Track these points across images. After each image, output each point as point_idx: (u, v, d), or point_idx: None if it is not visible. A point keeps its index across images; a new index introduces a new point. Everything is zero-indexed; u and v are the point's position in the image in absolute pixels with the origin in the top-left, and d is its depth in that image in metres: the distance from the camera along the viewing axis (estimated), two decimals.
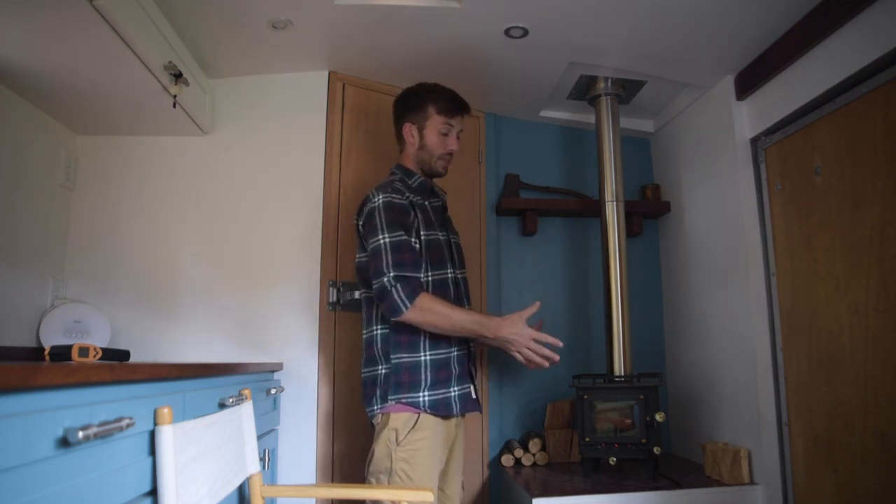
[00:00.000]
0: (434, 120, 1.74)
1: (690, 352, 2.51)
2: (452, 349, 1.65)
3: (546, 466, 2.33)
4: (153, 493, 0.96)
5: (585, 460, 2.12)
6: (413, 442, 1.54)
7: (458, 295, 1.72)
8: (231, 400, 1.35)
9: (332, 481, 2.05)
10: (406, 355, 1.61)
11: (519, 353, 1.57)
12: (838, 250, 1.80)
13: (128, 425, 0.85)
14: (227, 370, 1.49)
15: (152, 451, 0.97)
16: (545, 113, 2.70)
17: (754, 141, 2.19)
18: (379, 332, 1.65)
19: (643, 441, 2.05)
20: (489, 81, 2.38)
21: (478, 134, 2.60)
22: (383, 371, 1.62)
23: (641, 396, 2.08)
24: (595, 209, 2.50)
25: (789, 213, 2.03)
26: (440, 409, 1.59)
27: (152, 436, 0.97)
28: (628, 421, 2.09)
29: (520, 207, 2.59)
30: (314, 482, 2.04)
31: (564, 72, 2.30)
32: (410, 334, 1.61)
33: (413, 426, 1.55)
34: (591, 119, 2.52)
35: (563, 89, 2.50)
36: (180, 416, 1.08)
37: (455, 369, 1.65)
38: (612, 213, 2.36)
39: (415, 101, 1.77)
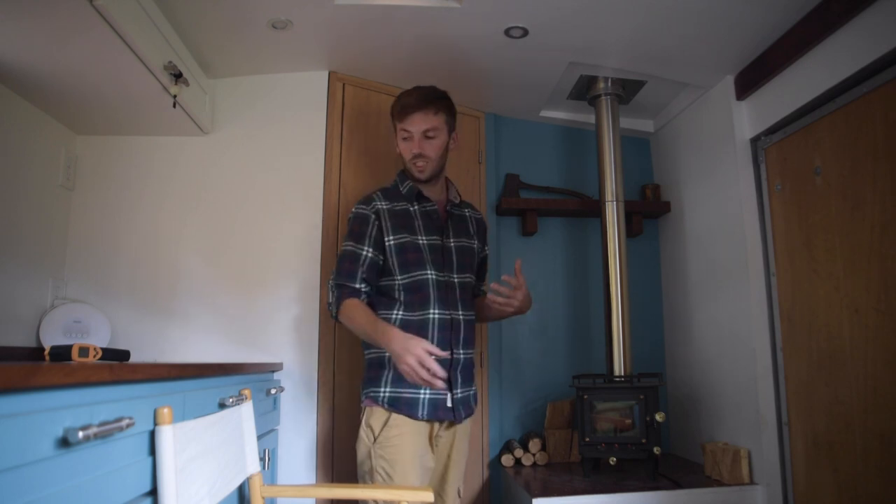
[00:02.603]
0: (396, 128, 1.74)
1: (690, 352, 2.51)
2: None
3: (546, 466, 2.33)
4: (153, 493, 0.96)
5: (585, 460, 2.11)
6: (388, 440, 1.56)
7: (444, 298, 1.67)
8: (231, 400, 1.35)
9: (332, 481, 2.05)
10: (374, 350, 1.66)
11: (402, 369, 1.49)
12: (838, 250, 1.80)
13: (128, 425, 0.85)
14: (227, 370, 1.48)
15: (152, 451, 0.97)
16: (545, 113, 2.70)
17: (754, 141, 2.20)
18: None
19: (643, 441, 2.05)
20: (489, 81, 2.38)
21: (478, 134, 2.60)
22: (364, 366, 1.70)
23: (641, 396, 2.08)
24: (595, 209, 2.50)
25: (789, 213, 2.03)
26: (401, 409, 1.58)
27: (152, 436, 0.97)
28: (628, 421, 2.09)
29: (520, 207, 2.59)
30: (314, 482, 2.04)
31: (564, 72, 2.30)
32: None
33: (385, 423, 1.58)
34: (591, 119, 2.52)
35: (563, 89, 2.50)
36: (180, 416, 1.08)
37: None
38: (612, 213, 2.36)
39: (390, 113, 1.78)
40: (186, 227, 2.17)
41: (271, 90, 2.28)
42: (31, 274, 1.91)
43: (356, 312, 1.60)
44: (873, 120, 1.68)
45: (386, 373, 1.62)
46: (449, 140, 1.75)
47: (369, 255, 1.65)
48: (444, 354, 1.53)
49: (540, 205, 2.60)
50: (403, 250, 1.66)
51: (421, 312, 1.64)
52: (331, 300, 1.66)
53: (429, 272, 1.66)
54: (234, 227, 2.18)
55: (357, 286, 1.64)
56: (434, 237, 1.72)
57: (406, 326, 1.62)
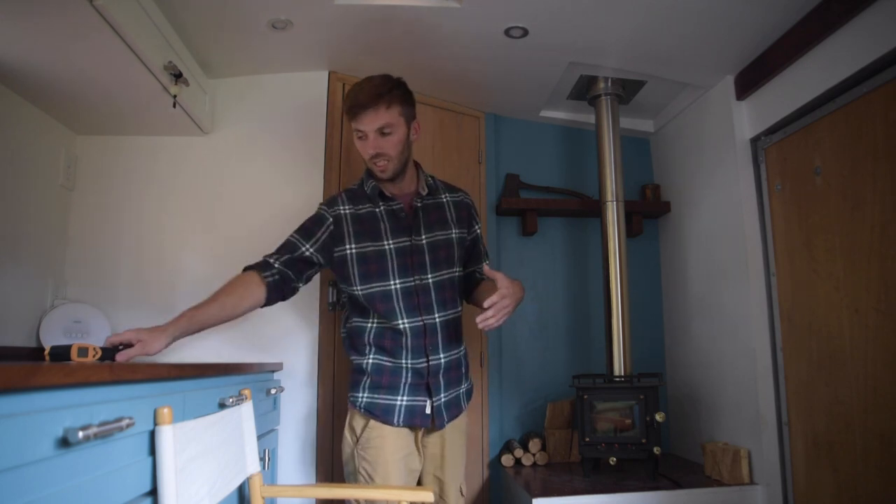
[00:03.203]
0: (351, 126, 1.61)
1: (690, 352, 2.51)
2: (402, 359, 1.60)
3: (546, 466, 2.33)
4: (153, 493, 0.96)
5: (585, 460, 2.12)
6: (369, 441, 1.57)
7: (414, 304, 1.61)
8: (231, 400, 1.35)
9: (332, 481, 2.05)
10: (355, 356, 1.66)
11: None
12: (838, 250, 1.80)
13: (128, 425, 0.84)
14: (227, 370, 1.49)
15: (152, 451, 0.97)
16: (545, 113, 2.70)
17: (754, 141, 2.20)
18: (344, 333, 1.72)
19: (643, 441, 2.05)
20: (489, 81, 2.38)
21: (478, 134, 2.60)
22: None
23: (641, 396, 2.08)
24: (595, 209, 2.50)
25: (789, 213, 2.03)
26: (377, 414, 1.57)
27: (152, 436, 0.97)
28: (628, 421, 2.09)
29: (520, 207, 2.59)
30: (314, 482, 2.04)
31: (564, 72, 2.30)
32: (356, 336, 1.66)
33: (365, 426, 1.58)
34: (591, 119, 2.52)
35: (563, 89, 2.50)
36: (180, 416, 1.08)
37: (406, 378, 1.60)
38: (612, 213, 2.36)
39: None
40: (186, 227, 2.17)
41: (272, 90, 2.28)
42: (31, 274, 1.91)
43: (224, 285, 1.58)
44: (873, 120, 1.68)
45: (364, 379, 1.61)
46: (409, 131, 1.62)
47: (306, 252, 1.63)
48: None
49: (540, 205, 2.60)
50: (365, 260, 1.61)
51: (392, 322, 1.60)
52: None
53: (391, 282, 1.60)
54: (233, 226, 2.18)
55: (271, 261, 1.62)
56: (402, 239, 1.63)
57: (381, 335, 1.62)
